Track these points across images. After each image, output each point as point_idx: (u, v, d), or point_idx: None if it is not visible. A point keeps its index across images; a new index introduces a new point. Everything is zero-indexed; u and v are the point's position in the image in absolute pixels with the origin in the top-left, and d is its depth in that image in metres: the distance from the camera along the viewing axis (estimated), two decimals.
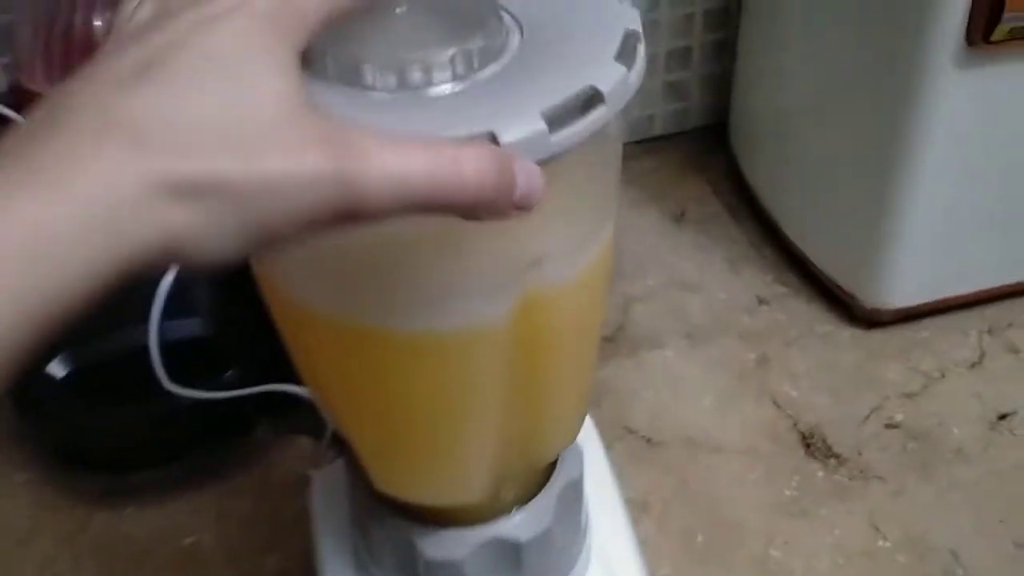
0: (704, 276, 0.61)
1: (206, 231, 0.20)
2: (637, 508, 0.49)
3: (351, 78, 0.25)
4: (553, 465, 0.36)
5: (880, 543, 0.47)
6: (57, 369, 0.47)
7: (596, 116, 0.24)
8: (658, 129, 0.70)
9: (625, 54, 0.26)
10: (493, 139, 0.23)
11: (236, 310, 0.49)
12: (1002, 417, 0.52)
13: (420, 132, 0.22)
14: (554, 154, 0.24)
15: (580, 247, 0.28)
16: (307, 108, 0.21)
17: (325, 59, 0.25)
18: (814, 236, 0.59)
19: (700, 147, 0.70)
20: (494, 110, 0.24)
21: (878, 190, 0.53)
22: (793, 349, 0.56)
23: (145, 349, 0.47)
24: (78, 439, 0.48)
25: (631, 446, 0.52)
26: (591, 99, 0.24)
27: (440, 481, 0.32)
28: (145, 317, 0.47)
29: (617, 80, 0.25)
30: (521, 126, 0.23)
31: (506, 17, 0.27)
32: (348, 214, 0.21)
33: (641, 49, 0.26)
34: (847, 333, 0.57)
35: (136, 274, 0.20)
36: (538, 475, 0.35)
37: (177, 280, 0.48)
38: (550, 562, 0.36)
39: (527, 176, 0.22)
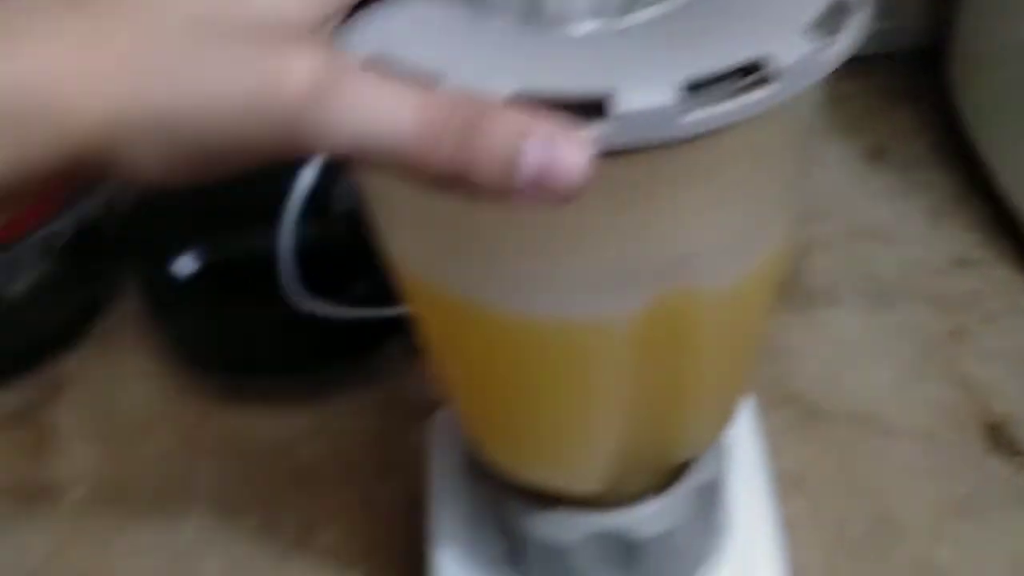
0: (898, 226, 0.54)
1: (129, 147, 0.19)
2: (790, 483, 0.44)
3: None
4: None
5: None
6: (184, 266, 0.45)
7: (759, 97, 0.19)
8: (865, 49, 0.62)
9: (825, 23, 0.20)
10: (602, 106, 0.17)
11: None
12: None
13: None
14: (686, 135, 0.18)
15: (738, 250, 0.23)
16: (267, 32, 0.19)
17: None
18: None
19: (910, 74, 0.61)
20: (624, 66, 0.19)
21: None
22: (993, 325, 0.49)
23: (275, 253, 0.44)
24: (201, 338, 0.47)
25: (791, 415, 0.46)
26: (756, 73, 0.19)
27: (550, 470, 0.28)
28: (276, 220, 0.44)
29: (801, 55, 0.19)
30: (647, 94, 0.18)
31: None
32: (294, 148, 0.19)
33: (854, 20, 0.20)
34: None
35: (47, 180, 0.19)
36: (668, 472, 0.31)
37: (316, 184, 0.45)
38: (671, 565, 0.32)
39: (566, 159, 0.17)
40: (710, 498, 0.32)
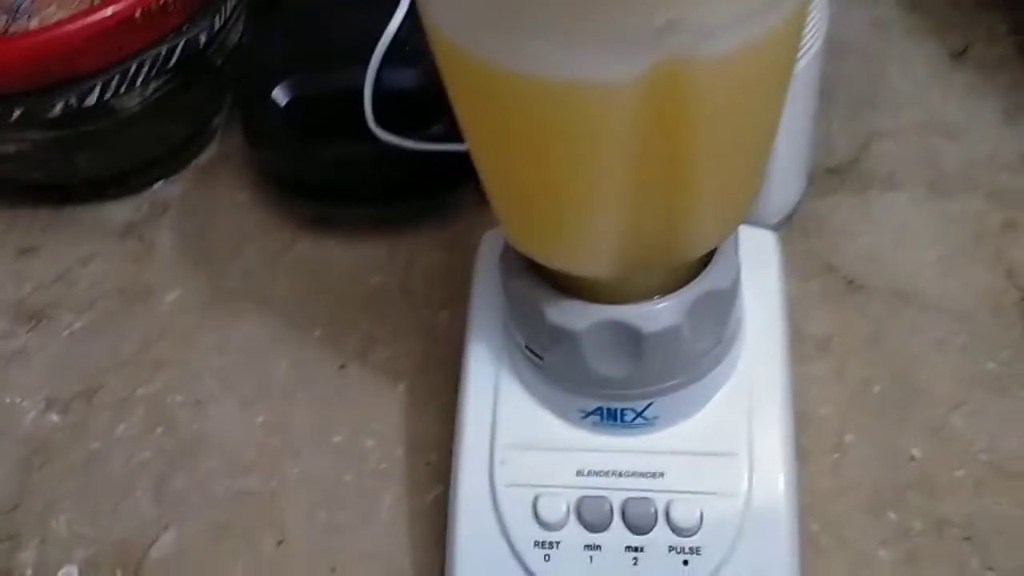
0: (970, 123, 0.54)
1: None
2: (817, 347, 0.46)
3: None
4: (704, 269, 0.34)
5: None
6: (280, 96, 0.50)
7: None
8: None
9: None
10: None
11: None
12: None
13: None
14: None
15: (743, 16, 0.25)
16: None
17: None
18: None
19: None
20: None
21: None
22: None
23: (362, 91, 0.48)
24: (291, 166, 0.51)
25: (830, 284, 0.48)
26: None
27: (565, 246, 0.31)
28: (367, 60, 0.48)
29: None
30: None
31: None
32: None
33: None
34: None
35: None
36: (681, 272, 0.34)
37: (400, 30, 0.48)
38: (678, 363, 0.34)
39: None
40: (719, 310, 0.35)
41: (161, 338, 0.50)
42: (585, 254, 0.31)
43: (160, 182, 0.56)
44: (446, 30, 0.27)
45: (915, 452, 0.42)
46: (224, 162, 0.57)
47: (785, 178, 0.48)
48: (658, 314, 0.33)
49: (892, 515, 0.41)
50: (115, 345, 0.50)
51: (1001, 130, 0.54)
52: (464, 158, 0.49)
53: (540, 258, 0.32)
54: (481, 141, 0.30)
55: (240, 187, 0.56)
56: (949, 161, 0.53)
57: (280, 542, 0.43)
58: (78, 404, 0.48)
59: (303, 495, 0.44)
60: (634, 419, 0.36)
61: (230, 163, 0.57)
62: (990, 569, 0.39)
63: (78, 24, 0.45)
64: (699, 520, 0.35)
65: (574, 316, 0.33)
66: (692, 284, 0.33)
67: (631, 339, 0.33)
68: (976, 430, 0.43)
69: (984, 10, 0.60)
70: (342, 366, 0.48)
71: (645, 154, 0.27)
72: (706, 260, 0.34)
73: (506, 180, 0.30)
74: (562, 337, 0.34)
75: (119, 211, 0.56)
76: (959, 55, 0.58)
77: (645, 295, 0.33)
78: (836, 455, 0.43)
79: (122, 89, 0.48)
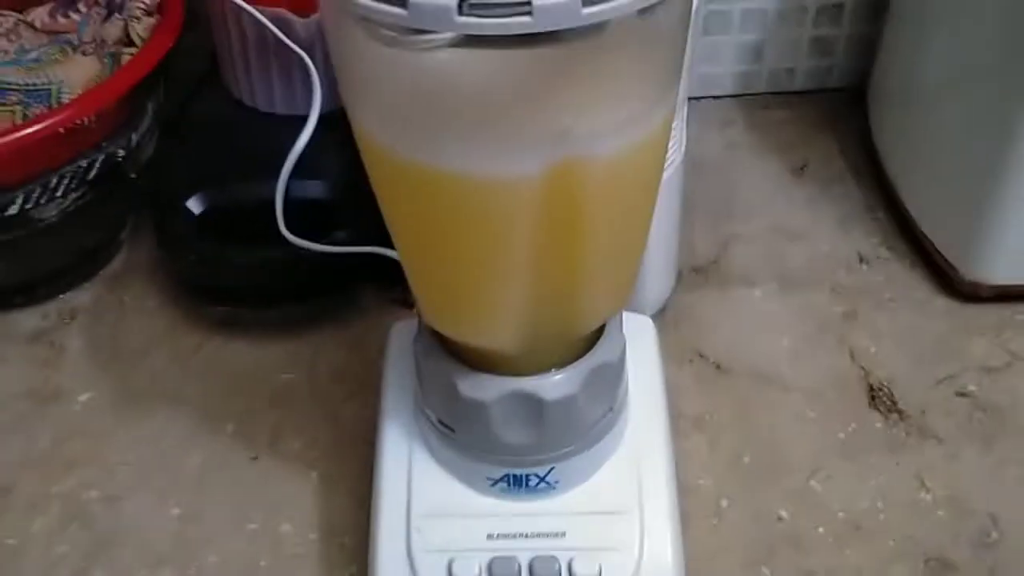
0: (811, 229, 0.62)
1: None
2: (692, 424, 0.51)
3: None
4: (595, 345, 0.39)
5: (923, 495, 0.48)
6: (195, 205, 0.53)
7: None
8: (797, 84, 0.71)
9: None
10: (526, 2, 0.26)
11: (357, 180, 0.54)
12: None
13: None
14: (585, 26, 0.26)
15: (624, 125, 0.31)
16: None
17: None
18: (928, 204, 0.59)
19: (836, 107, 0.71)
20: None
21: (992, 168, 0.52)
22: (883, 310, 0.57)
23: (273, 201, 0.52)
24: (204, 271, 0.54)
25: (700, 369, 0.54)
26: None
27: (476, 322, 0.35)
28: (273, 173, 0.52)
29: None
30: None
31: None
32: None
33: None
34: (942, 303, 0.57)
35: None
36: (577, 347, 0.39)
37: (309, 145, 0.53)
38: (575, 430, 0.39)
39: None
40: (609, 380, 0.40)
41: (73, 437, 0.52)
42: (493, 329, 0.35)
43: (68, 292, 0.59)
44: (375, 134, 0.32)
45: (783, 513, 0.48)
46: (131, 272, 0.60)
47: (657, 275, 0.54)
48: (558, 384, 0.38)
49: (766, 570, 0.46)
50: (27, 445, 0.52)
51: (837, 234, 0.62)
52: (364, 263, 0.54)
53: (453, 334, 0.37)
54: (402, 228, 0.34)
55: (148, 295, 0.59)
56: (795, 261, 0.60)
57: None
58: None
59: None
60: (537, 484, 0.40)
61: (137, 273, 0.60)
62: None
63: (7, 138, 0.47)
64: (599, 573, 0.39)
65: (484, 388, 0.38)
66: (586, 357, 0.38)
67: (534, 408, 0.38)
68: (833, 492, 0.48)
69: (818, 133, 0.69)
70: (254, 457, 0.51)
71: (546, 238, 0.32)
72: (595, 338, 0.39)
73: (424, 263, 0.35)
74: (473, 408, 0.38)
75: (26, 320, 0.58)
76: (799, 171, 0.66)
77: (546, 368, 0.38)
78: (715, 520, 0.47)
79: (43, 200, 0.50)
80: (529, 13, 0.26)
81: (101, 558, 0.47)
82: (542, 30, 0.26)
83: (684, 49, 0.33)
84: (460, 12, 0.26)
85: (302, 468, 0.50)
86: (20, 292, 0.57)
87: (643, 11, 0.28)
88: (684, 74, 0.35)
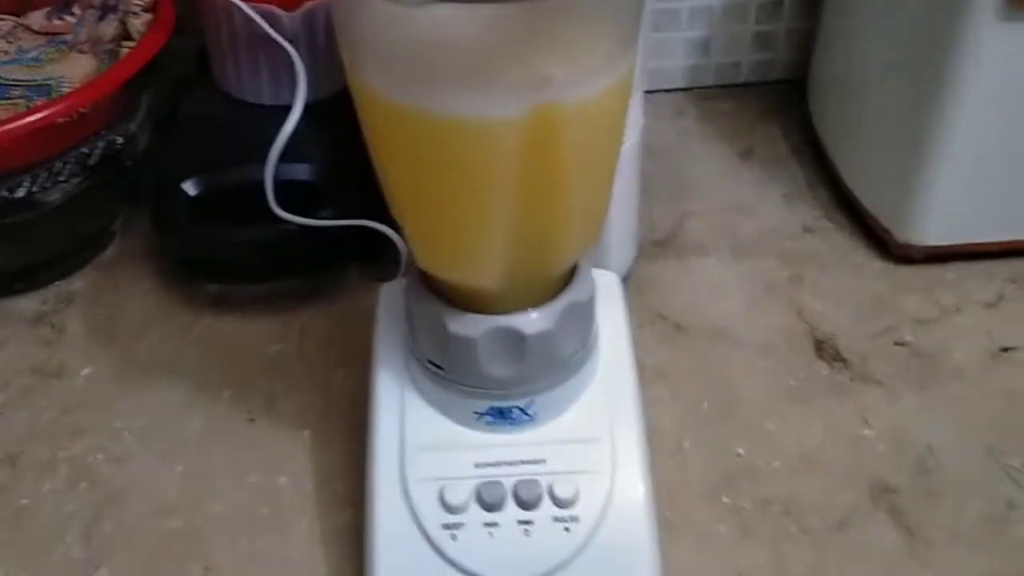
0: (759, 205, 0.67)
1: None
2: (655, 375, 0.56)
3: None
4: (568, 286, 0.44)
5: (865, 432, 0.53)
6: (190, 188, 0.57)
7: None
8: (742, 77, 0.77)
9: None
10: None
11: (339, 163, 0.59)
12: (1005, 350, 0.57)
13: None
14: None
15: (594, 74, 0.35)
16: None
17: None
18: (864, 178, 0.65)
19: (779, 98, 0.76)
20: None
21: (919, 136, 0.58)
22: (826, 273, 0.62)
23: (263, 183, 0.56)
24: (199, 250, 0.58)
25: (661, 329, 0.59)
26: None
27: (463, 261, 0.40)
28: (265, 158, 0.56)
29: None
30: None
31: None
32: None
33: None
34: (879, 265, 0.62)
35: None
36: (552, 287, 0.43)
37: (295, 132, 0.57)
38: (552, 363, 0.43)
39: None
40: (581, 319, 0.44)
41: (78, 407, 0.55)
42: (478, 265, 0.40)
43: (65, 278, 0.62)
44: (371, 82, 0.36)
45: (740, 450, 0.52)
46: (125, 259, 0.64)
47: (620, 247, 0.59)
48: (536, 320, 0.42)
49: (726, 499, 0.50)
50: (34, 417, 0.55)
51: (783, 209, 0.67)
52: (351, 241, 0.58)
53: (442, 272, 0.41)
54: (395, 173, 0.39)
55: (142, 278, 0.62)
56: (745, 233, 0.65)
57: (207, 568, 0.48)
58: (2, 469, 0.52)
59: (225, 528, 0.50)
60: (519, 415, 0.44)
61: (131, 259, 0.64)
62: (805, 533, 0.48)
63: (11, 125, 0.51)
64: (576, 494, 0.43)
65: (471, 326, 0.42)
66: (560, 297, 0.43)
67: (516, 342, 0.42)
68: (785, 431, 0.53)
69: (763, 121, 0.74)
70: (251, 419, 0.54)
71: (526, 177, 0.36)
72: (568, 280, 0.44)
73: (416, 204, 0.39)
74: (462, 345, 0.42)
75: (27, 304, 0.61)
76: (746, 155, 0.72)
77: (525, 307, 0.42)
78: (678, 457, 0.52)
79: (47, 184, 0.54)
80: None
81: (110, 510, 0.50)
82: None
83: (642, 2, 0.37)
84: None
85: (296, 428, 0.54)
86: (20, 278, 0.60)
87: None
88: (640, 50, 0.40)
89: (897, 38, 0.61)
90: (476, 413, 0.45)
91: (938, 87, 0.56)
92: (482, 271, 0.40)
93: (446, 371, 0.44)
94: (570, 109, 0.35)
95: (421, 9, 0.32)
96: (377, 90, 0.36)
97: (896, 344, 0.57)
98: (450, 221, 0.39)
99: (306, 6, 0.57)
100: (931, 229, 0.61)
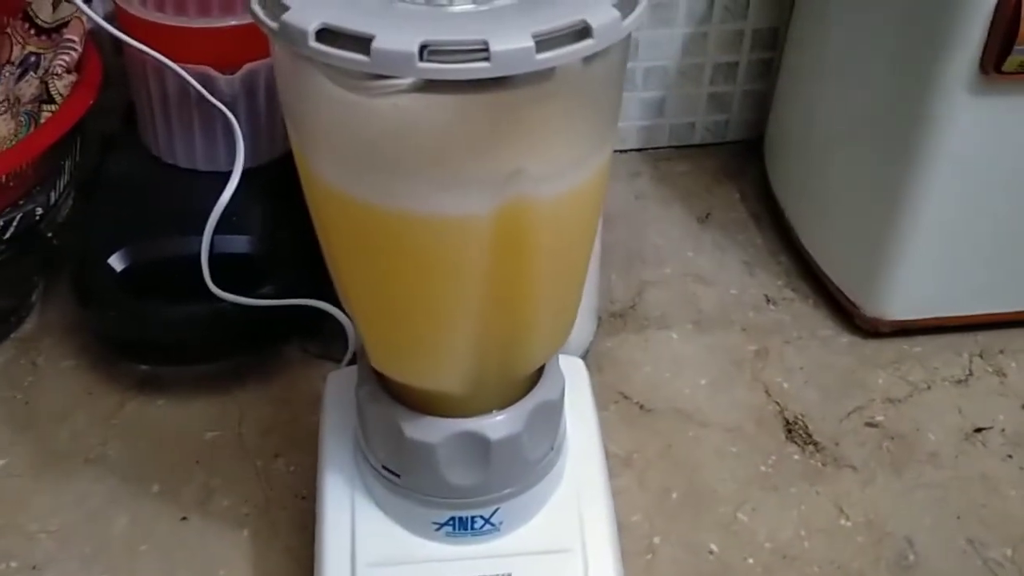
0: (719, 273, 0.65)
1: None
2: (621, 463, 0.52)
3: None
4: (536, 384, 0.40)
5: (842, 522, 0.50)
6: (117, 262, 0.52)
7: (583, 46, 0.28)
8: (698, 138, 0.74)
9: (623, 5, 0.30)
10: (486, 47, 0.27)
11: (280, 235, 0.55)
12: (978, 430, 0.55)
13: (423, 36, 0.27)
14: (538, 70, 0.28)
15: (568, 168, 0.32)
16: None
17: None
18: (827, 247, 0.63)
19: (735, 159, 0.74)
20: (496, 27, 0.28)
21: (887, 208, 0.56)
22: (792, 347, 0.60)
23: (197, 257, 0.52)
24: (126, 329, 0.53)
25: (624, 410, 0.55)
26: (581, 32, 0.29)
27: (423, 364, 0.36)
28: (200, 229, 0.52)
29: (608, 21, 0.29)
30: (512, 41, 0.27)
31: None
32: None
33: (640, 5, 0.30)
34: (846, 339, 0.60)
35: None
36: (519, 387, 0.40)
37: (232, 200, 0.53)
38: (518, 469, 0.40)
39: None
40: (551, 418, 0.41)
41: None
42: (441, 369, 0.36)
43: None
44: (326, 176, 0.32)
45: (713, 547, 0.49)
46: (44, 334, 0.59)
47: (582, 320, 0.55)
48: (502, 423, 0.38)
49: None
50: None
51: (744, 277, 0.65)
52: (290, 318, 0.54)
53: (400, 375, 0.37)
54: (347, 265, 0.35)
55: (63, 356, 0.57)
56: (706, 304, 0.62)
57: None
58: None
59: None
60: (483, 525, 0.41)
61: (50, 335, 0.59)
62: None
63: None
64: None
65: (430, 431, 0.38)
66: (528, 397, 0.39)
67: (480, 447, 0.38)
68: (758, 523, 0.50)
69: (720, 183, 0.72)
70: (183, 518, 0.50)
71: (493, 276, 0.33)
72: (536, 378, 0.40)
73: (373, 304, 0.35)
74: (420, 451, 0.38)
75: None
76: (704, 219, 0.69)
77: (489, 409, 0.39)
78: (648, 556, 0.49)
79: None
80: (487, 59, 0.27)
81: None
82: (499, 75, 0.28)
83: (620, 96, 0.34)
84: (421, 58, 0.27)
85: (234, 527, 0.49)
86: None
87: (587, 59, 0.29)
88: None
89: (860, 106, 0.59)
90: (435, 524, 0.41)
91: (906, 159, 0.54)
92: (444, 375, 0.36)
93: (402, 478, 0.40)
94: (542, 205, 0.32)
95: (383, 99, 0.29)
96: (330, 183, 0.32)
97: (868, 424, 0.55)
98: (409, 320, 0.35)
99: (245, 68, 0.53)
100: (899, 303, 0.59)
